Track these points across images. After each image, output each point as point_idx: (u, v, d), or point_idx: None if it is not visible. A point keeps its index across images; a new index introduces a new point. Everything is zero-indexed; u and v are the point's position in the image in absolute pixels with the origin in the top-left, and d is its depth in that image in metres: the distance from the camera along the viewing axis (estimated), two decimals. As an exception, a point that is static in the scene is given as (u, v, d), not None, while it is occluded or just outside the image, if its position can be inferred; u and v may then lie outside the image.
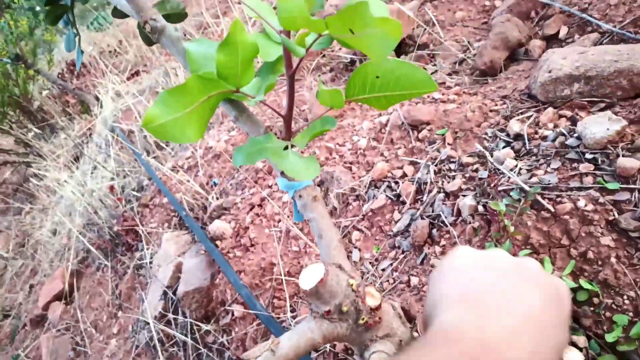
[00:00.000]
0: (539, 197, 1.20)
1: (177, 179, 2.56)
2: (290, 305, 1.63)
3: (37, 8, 3.86)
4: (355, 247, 1.59)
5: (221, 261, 1.88)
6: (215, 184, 2.44)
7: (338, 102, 0.74)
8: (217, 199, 2.31)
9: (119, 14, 0.95)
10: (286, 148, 0.74)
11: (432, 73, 2.30)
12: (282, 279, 1.69)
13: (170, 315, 2.09)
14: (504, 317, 0.44)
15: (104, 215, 3.01)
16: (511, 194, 1.27)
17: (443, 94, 1.88)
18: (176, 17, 0.98)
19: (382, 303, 0.71)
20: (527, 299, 0.47)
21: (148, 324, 2.23)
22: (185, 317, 2.03)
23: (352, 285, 0.69)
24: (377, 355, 0.69)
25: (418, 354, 0.44)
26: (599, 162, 1.21)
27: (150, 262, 2.48)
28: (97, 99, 4.58)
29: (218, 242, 2.03)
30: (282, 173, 0.79)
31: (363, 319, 0.68)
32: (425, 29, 2.52)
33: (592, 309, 1.06)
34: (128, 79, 4.86)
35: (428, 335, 0.47)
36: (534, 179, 1.27)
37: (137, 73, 4.99)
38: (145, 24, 0.81)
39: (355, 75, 0.73)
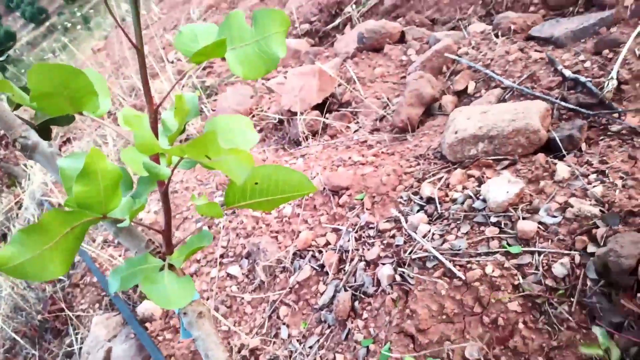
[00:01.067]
0: (450, 265, 1.22)
1: (107, 256, 2.45)
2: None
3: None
4: (284, 324, 1.55)
5: (150, 346, 1.80)
6: (145, 260, 2.36)
7: (217, 214, 0.73)
8: (147, 275, 2.22)
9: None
10: (162, 268, 0.71)
11: (355, 132, 2.34)
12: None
13: (100, 409, 1.96)
14: None
15: (32, 299, 2.84)
16: (426, 262, 1.28)
17: (362, 156, 1.91)
18: (65, 120, 0.96)
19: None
20: None
21: (78, 418, 2.09)
22: (117, 409, 1.91)
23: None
24: None
25: None
26: (502, 225, 1.24)
27: (80, 349, 2.34)
28: (25, 171, 4.40)
29: (147, 324, 1.94)
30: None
31: None
32: (346, 87, 2.58)
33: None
34: (59, 147, 4.71)
35: None
36: (446, 245, 1.28)
37: (68, 140, 4.86)
38: (14, 142, 0.78)
39: (233, 185, 0.73)
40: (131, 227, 0.79)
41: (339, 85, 2.64)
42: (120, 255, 2.40)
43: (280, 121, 2.79)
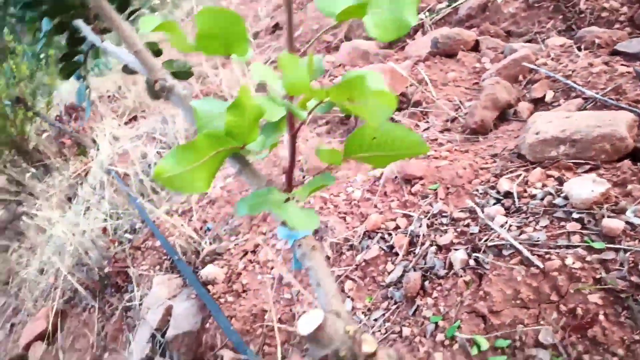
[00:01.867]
0: (528, 254, 1.25)
1: (171, 223, 2.57)
2: (281, 353, 1.63)
3: (42, 55, 3.97)
4: (348, 297, 1.61)
5: (212, 306, 1.89)
6: (209, 229, 2.47)
7: (336, 161, 0.80)
8: (210, 244, 2.33)
9: (129, 71, 1.01)
10: (287, 200, 0.78)
11: (424, 130, 2.39)
12: (273, 326, 1.70)
13: (158, 358, 2.06)
14: None
15: (94, 256, 3.00)
16: (502, 250, 1.32)
17: (435, 151, 1.96)
18: (183, 74, 1.05)
19: (378, 350, 0.74)
20: None
21: (134, 368, 2.20)
22: (173, 362, 2.01)
23: (349, 332, 0.71)
24: (372, 402, 0.71)
25: None
26: (585, 221, 1.27)
27: (140, 305, 2.46)
28: (94, 141, 4.64)
29: (210, 287, 2.03)
30: (284, 222, 0.83)
31: (360, 364, 0.71)
32: (418, 88, 2.63)
33: (579, 365, 1.08)
34: (126, 123, 4.94)
35: None
36: (524, 236, 1.32)
37: (135, 118, 5.08)
38: (155, 82, 0.87)
39: (354, 136, 0.79)
40: (254, 167, 0.87)
41: (410, 85, 2.69)
42: (182, 225, 2.51)
43: (347, 115, 2.85)
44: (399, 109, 2.64)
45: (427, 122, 2.44)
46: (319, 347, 0.70)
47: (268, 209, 0.77)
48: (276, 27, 5.15)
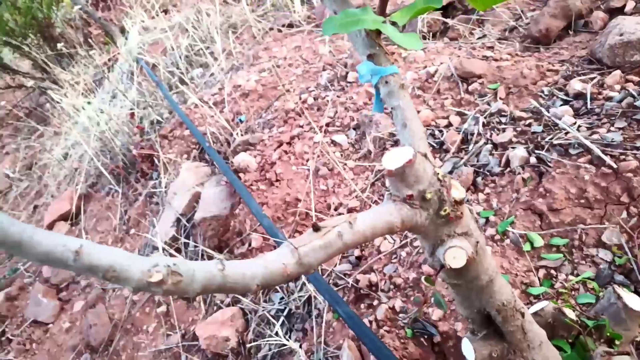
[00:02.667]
0: (600, 153, 1.15)
1: (204, 112, 2.50)
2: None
3: None
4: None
5: (243, 192, 1.84)
6: (241, 121, 2.39)
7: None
8: (243, 134, 2.25)
9: None
10: (384, 22, 0.68)
11: (479, 38, 2.23)
12: (306, 214, 1.65)
13: (182, 240, 2.05)
14: None
15: (120, 141, 2.96)
16: (569, 149, 1.22)
17: (494, 53, 1.82)
18: None
19: (464, 200, 0.67)
20: None
21: (156, 248, 2.20)
22: (197, 245, 2.00)
23: (438, 174, 0.64)
24: (453, 251, 0.64)
25: None
26: (671, 123, 1.15)
27: (165, 191, 2.43)
28: (123, 31, 4.49)
29: (241, 175, 1.98)
30: (369, 56, 0.73)
31: (445, 210, 0.64)
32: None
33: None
34: (157, 15, 4.75)
35: None
36: (595, 136, 1.21)
37: (166, 11, 4.89)
38: None
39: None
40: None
41: (469, -10, 2.49)
42: (214, 114, 2.43)
43: None
44: (453, 16, 2.46)
45: (482, 30, 2.27)
46: (405, 185, 0.62)
47: (361, 27, 0.66)
48: None
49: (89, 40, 5.16)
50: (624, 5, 1.86)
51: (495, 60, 1.75)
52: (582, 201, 1.13)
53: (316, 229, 0.58)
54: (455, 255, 0.64)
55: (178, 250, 2.06)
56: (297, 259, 0.54)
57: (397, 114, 0.70)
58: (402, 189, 0.62)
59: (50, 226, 3.12)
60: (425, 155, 0.65)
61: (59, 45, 4.38)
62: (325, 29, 0.67)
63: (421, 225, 0.64)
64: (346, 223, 0.59)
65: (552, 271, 1.08)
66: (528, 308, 0.94)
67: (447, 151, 1.50)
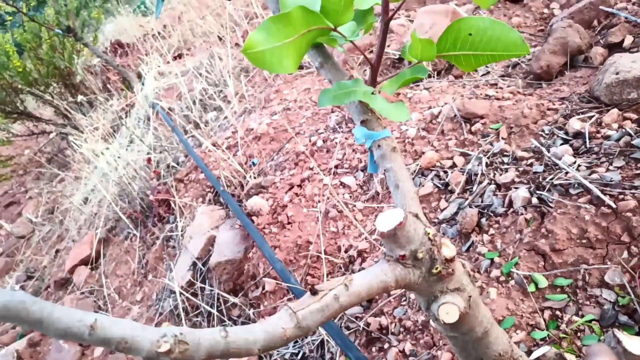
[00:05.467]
0: (599, 193, 1.18)
1: (217, 156, 2.57)
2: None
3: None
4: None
5: (256, 235, 1.88)
6: (254, 164, 2.45)
7: (429, 55, 0.74)
8: (255, 177, 2.32)
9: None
10: (373, 93, 0.73)
11: (483, 75, 2.28)
12: (317, 257, 1.68)
13: (198, 285, 2.09)
14: None
15: (137, 186, 3.04)
16: (569, 189, 1.25)
17: (497, 92, 1.86)
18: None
19: (455, 257, 0.70)
20: None
21: (174, 292, 2.24)
22: (213, 289, 2.04)
23: (429, 234, 0.67)
24: (445, 307, 0.67)
25: None
26: (667, 162, 1.18)
27: (182, 234, 2.49)
28: (140, 76, 4.65)
29: (254, 218, 2.03)
30: (362, 122, 0.78)
31: (437, 268, 0.67)
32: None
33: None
34: (171, 60, 4.92)
35: None
36: (595, 176, 1.24)
37: (180, 56, 5.06)
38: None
39: (448, 31, 0.72)
40: (335, 61, 0.82)
41: (471, 28, 2.56)
42: (228, 158, 2.50)
43: (400, 59, 2.75)
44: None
45: (487, 66, 2.33)
46: (397, 246, 0.66)
47: (354, 99, 0.72)
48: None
49: (108, 86, 5.35)
50: (622, 40, 1.90)
51: (498, 99, 1.80)
52: (584, 241, 1.15)
53: (314, 292, 0.62)
54: (448, 310, 0.67)
55: (194, 295, 2.11)
56: (295, 322, 0.58)
57: (390, 176, 0.75)
58: (395, 250, 0.66)
59: (72, 271, 3.20)
60: (416, 216, 0.69)
61: (79, 98, 4.54)
62: (321, 101, 0.73)
63: (414, 283, 0.67)
64: (342, 285, 0.63)
65: (558, 312, 1.10)
66: (534, 351, 0.96)
67: (452, 192, 1.53)
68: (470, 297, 0.70)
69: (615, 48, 1.92)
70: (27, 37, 4.75)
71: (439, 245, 0.67)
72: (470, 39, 0.73)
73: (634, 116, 1.38)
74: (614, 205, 1.14)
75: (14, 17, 4.56)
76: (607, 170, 1.24)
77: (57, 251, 3.90)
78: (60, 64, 4.98)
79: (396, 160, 0.75)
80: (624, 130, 1.33)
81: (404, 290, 1.39)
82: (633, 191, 1.15)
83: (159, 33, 6.32)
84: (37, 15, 4.42)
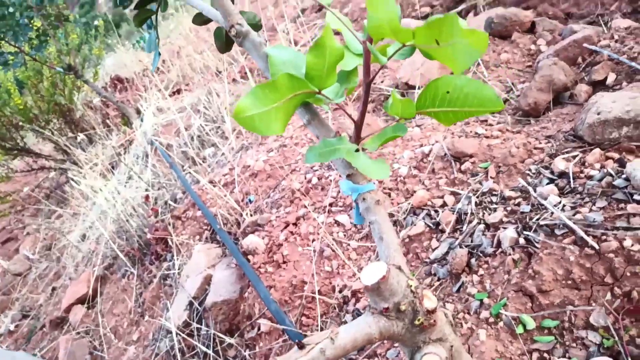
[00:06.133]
0: (582, 234, 1.21)
1: (214, 194, 2.61)
2: (320, 324, 1.63)
3: (96, 22, 4.05)
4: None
5: (252, 275, 1.90)
6: (250, 201, 2.48)
7: (409, 113, 0.78)
8: (252, 215, 2.34)
9: (199, 20, 1.01)
10: (357, 150, 0.77)
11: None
12: (312, 297, 1.70)
13: (194, 325, 2.10)
14: None
15: (135, 223, 3.07)
16: (554, 230, 1.28)
17: (486, 130, 1.91)
18: (252, 27, 1.04)
19: (437, 308, 0.73)
20: None
21: (170, 332, 2.24)
22: (209, 329, 2.04)
23: (411, 286, 0.70)
24: (428, 357, 0.70)
25: None
26: (648, 203, 1.21)
27: (179, 273, 2.51)
28: (139, 112, 4.73)
29: (250, 257, 2.05)
30: (348, 176, 0.82)
31: (419, 320, 0.70)
32: (469, 69, 2.56)
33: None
34: (170, 96, 5.01)
35: None
36: (579, 216, 1.27)
37: (178, 91, 5.15)
38: (231, 28, 0.87)
39: (427, 90, 0.77)
40: (322, 118, 0.86)
41: (461, 66, 2.63)
42: (225, 196, 2.54)
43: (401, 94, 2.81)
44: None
45: (476, 104, 2.38)
46: (381, 299, 0.69)
47: (338, 157, 0.75)
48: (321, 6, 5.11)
49: (107, 121, 5.43)
50: (606, 78, 1.96)
51: (487, 137, 1.85)
52: (570, 282, 1.18)
53: (300, 346, 0.64)
54: (431, 361, 0.70)
55: (191, 335, 2.11)
56: (281, 379, 0.60)
57: (375, 228, 0.78)
58: (379, 302, 0.69)
59: (68, 310, 3.19)
60: (399, 268, 0.72)
61: (79, 138, 4.60)
62: (307, 158, 0.77)
63: (398, 334, 0.70)
64: (328, 339, 0.65)
65: (545, 354, 1.11)
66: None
67: (442, 231, 1.56)
68: (452, 346, 0.72)
69: (599, 85, 1.98)
70: (28, 74, 4.84)
71: (421, 297, 0.70)
72: (448, 96, 0.77)
73: (616, 155, 1.42)
74: (596, 247, 1.17)
75: (16, 56, 4.65)
76: (591, 210, 1.28)
77: (54, 289, 3.89)
78: (61, 100, 5.07)
79: (380, 212, 0.78)
80: (605, 170, 1.37)
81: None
82: (615, 232, 1.18)
83: (157, 68, 6.44)
84: (38, 54, 4.51)
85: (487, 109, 0.76)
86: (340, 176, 0.83)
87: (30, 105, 4.98)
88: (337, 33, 1.07)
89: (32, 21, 4.38)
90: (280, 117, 0.70)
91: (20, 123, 4.98)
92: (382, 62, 0.69)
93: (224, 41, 0.95)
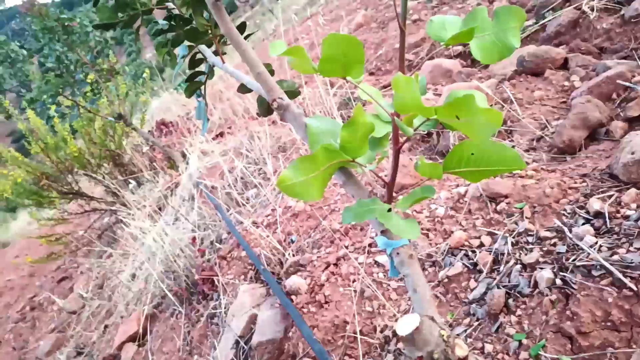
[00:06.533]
0: (620, 275, 1.23)
1: (257, 234, 2.71)
2: (362, 364, 1.68)
3: (144, 74, 4.32)
4: (430, 312, 1.63)
5: (296, 315, 1.97)
6: (292, 241, 2.57)
7: (437, 174, 0.85)
8: (294, 255, 2.42)
9: (244, 90, 1.12)
10: (389, 210, 0.84)
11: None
12: (354, 337, 1.75)
13: (242, 364, 2.17)
14: None
15: (182, 264, 3.20)
16: (591, 271, 1.30)
17: (521, 170, 1.94)
18: (291, 94, 1.15)
19: (469, 355, 0.78)
20: None
21: (219, 372, 2.32)
22: (256, 368, 2.11)
23: (443, 335, 0.76)
24: (462, 403, 0.75)
25: None
26: (684, 244, 1.22)
27: (225, 312, 2.60)
28: (184, 155, 4.94)
29: (293, 297, 2.12)
30: (383, 232, 0.89)
31: (452, 367, 0.75)
32: (503, 107, 2.61)
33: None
34: (213, 139, 5.22)
35: None
36: (615, 257, 1.29)
37: (221, 134, 5.36)
38: (273, 101, 0.97)
39: (454, 152, 0.84)
40: (357, 180, 0.94)
41: (495, 103, 2.68)
42: (268, 236, 2.63)
43: (429, 133, 2.88)
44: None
45: (512, 140, 2.42)
46: (415, 348, 0.75)
47: (372, 218, 0.83)
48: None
49: (154, 164, 5.69)
50: (641, 115, 1.97)
51: (521, 177, 1.88)
52: (609, 324, 1.20)
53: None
54: (465, 406, 0.74)
55: (238, 373, 2.18)
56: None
57: (408, 281, 0.84)
58: (414, 352, 0.75)
59: (120, 347, 3.32)
60: (432, 318, 0.78)
61: (130, 185, 4.84)
62: (344, 218, 0.84)
63: (433, 381, 0.75)
64: (367, 386, 0.71)
65: (586, 397, 1.13)
66: None
67: (480, 272, 1.60)
68: (485, 393, 0.77)
69: (634, 121, 1.99)
70: (82, 123, 5.17)
71: (453, 346, 0.75)
72: (473, 157, 0.84)
73: (652, 195, 1.44)
74: (635, 288, 1.19)
75: (72, 110, 4.99)
76: (628, 251, 1.29)
77: (106, 327, 4.05)
78: (111, 146, 5.37)
79: (413, 266, 0.84)
80: (642, 210, 1.39)
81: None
82: (653, 273, 1.19)
83: (201, 112, 6.71)
84: (92, 106, 4.82)
85: (510, 167, 0.82)
86: (375, 233, 0.90)
87: (83, 151, 5.30)
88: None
89: (87, 76, 4.71)
90: (317, 185, 0.79)
91: (75, 168, 5.29)
92: (409, 134, 0.77)
93: (266, 108, 1.05)
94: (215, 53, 1.18)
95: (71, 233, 5.96)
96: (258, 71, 0.97)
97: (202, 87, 1.24)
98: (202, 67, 1.24)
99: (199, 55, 1.29)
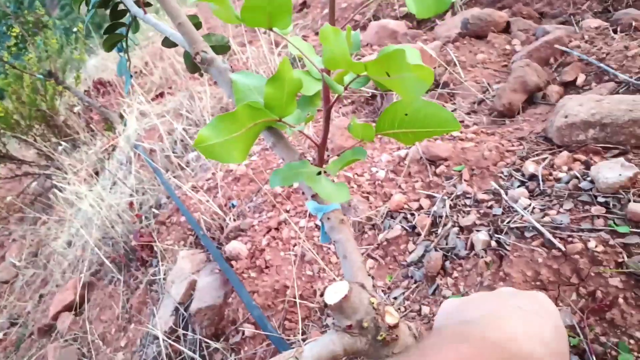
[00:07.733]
0: (550, 236, 1.25)
1: (197, 199, 2.62)
2: (302, 328, 1.67)
3: (75, 29, 4.03)
4: (370, 275, 1.63)
5: (235, 281, 1.93)
6: (233, 206, 2.51)
7: (369, 136, 0.81)
8: (235, 220, 2.37)
9: (168, 43, 1.03)
10: (319, 174, 0.80)
11: (451, 111, 2.37)
12: (294, 302, 1.73)
13: (180, 331, 2.12)
14: (513, 322, 0.49)
15: (120, 230, 3.08)
16: (524, 232, 1.32)
17: (461, 132, 1.95)
18: (220, 48, 1.06)
19: (400, 323, 0.76)
20: (540, 323, 0.52)
21: (157, 338, 2.26)
22: (195, 334, 2.07)
23: (373, 303, 0.73)
24: (392, 371, 0.73)
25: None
26: (611, 205, 1.26)
27: (164, 278, 2.53)
28: (122, 116, 4.71)
29: (233, 262, 2.07)
30: (313, 196, 0.84)
31: (381, 335, 0.73)
32: (446, 69, 2.60)
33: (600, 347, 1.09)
34: (153, 99, 4.99)
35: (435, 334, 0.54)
36: (547, 219, 1.31)
37: (161, 94, 5.14)
38: (196, 55, 0.89)
39: (386, 113, 0.80)
40: (287, 141, 0.88)
41: (439, 66, 2.67)
42: (208, 201, 2.56)
43: (373, 96, 2.85)
44: (427, 90, 2.62)
45: (454, 103, 2.43)
46: (344, 317, 0.72)
47: (300, 181, 0.78)
48: (304, 5, 5.13)
49: (91, 126, 5.40)
50: (576, 79, 2.00)
51: (461, 140, 1.88)
52: (538, 283, 1.22)
53: (267, 365, 0.67)
54: (394, 373, 0.73)
55: (177, 340, 2.13)
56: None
57: (338, 247, 0.81)
58: (342, 320, 0.72)
59: (55, 317, 3.20)
60: (362, 286, 0.75)
61: (62, 146, 4.58)
62: (272, 181, 0.79)
63: (362, 350, 0.73)
64: (293, 358, 0.68)
65: (515, 355, 1.15)
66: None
67: (418, 235, 1.60)
68: (415, 359, 0.75)
69: (569, 86, 2.03)
70: (8, 81, 4.81)
71: (383, 314, 0.73)
72: (406, 118, 0.80)
73: (583, 157, 1.47)
74: (563, 248, 1.21)
75: (-6, 65, 4.62)
76: (558, 213, 1.32)
77: (41, 296, 3.89)
78: (43, 106, 5.04)
79: (344, 231, 0.81)
80: (572, 172, 1.41)
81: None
82: (580, 234, 1.22)
83: (140, 71, 6.41)
84: (17, 62, 4.48)
85: (445, 129, 0.79)
86: (307, 198, 0.86)
87: (11, 111, 4.95)
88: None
89: (10, 29, 4.35)
90: (240, 146, 0.73)
91: (2, 130, 4.95)
92: (339, 91, 0.72)
93: (192, 64, 0.97)
94: (137, 3, 1.08)
95: (1, 199, 5.63)
96: (179, 21, 0.88)
97: (124, 41, 1.13)
98: (125, 20, 1.14)
99: (121, 6, 1.18)
